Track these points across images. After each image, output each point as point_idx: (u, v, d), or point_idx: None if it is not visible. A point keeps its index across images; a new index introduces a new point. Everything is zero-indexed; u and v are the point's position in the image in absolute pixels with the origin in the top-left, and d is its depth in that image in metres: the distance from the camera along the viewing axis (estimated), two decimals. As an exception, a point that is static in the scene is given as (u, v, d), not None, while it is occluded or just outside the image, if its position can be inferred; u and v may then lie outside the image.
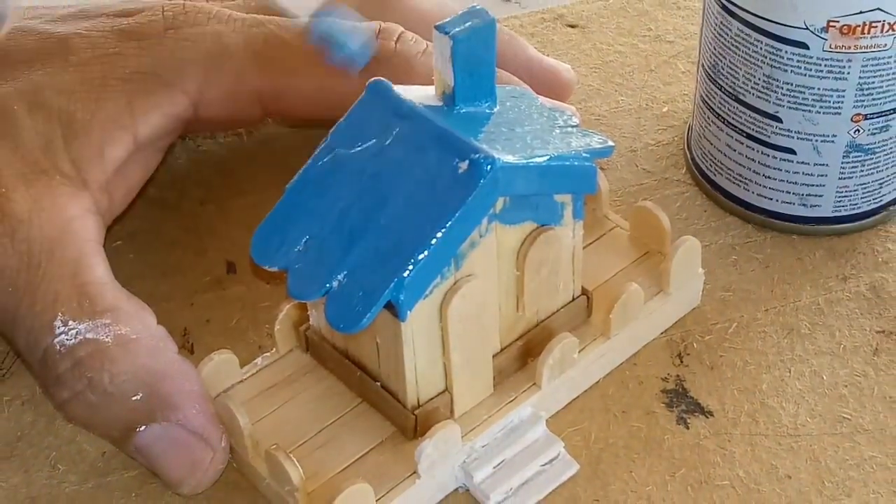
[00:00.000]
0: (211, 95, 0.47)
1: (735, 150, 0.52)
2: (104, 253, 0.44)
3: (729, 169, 0.53)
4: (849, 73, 0.48)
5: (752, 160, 0.52)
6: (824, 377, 0.47)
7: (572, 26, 0.64)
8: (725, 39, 0.50)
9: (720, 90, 0.51)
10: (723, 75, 0.51)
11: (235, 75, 0.47)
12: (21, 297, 0.42)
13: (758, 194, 0.52)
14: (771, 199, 0.52)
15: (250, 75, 0.47)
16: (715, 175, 0.54)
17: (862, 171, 0.51)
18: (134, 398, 0.41)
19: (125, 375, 0.41)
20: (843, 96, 0.48)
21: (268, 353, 0.45)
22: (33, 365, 0.42)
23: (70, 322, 0.41)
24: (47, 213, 0.43)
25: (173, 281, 0.51)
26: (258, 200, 0.48)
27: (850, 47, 0.47)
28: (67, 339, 0.41)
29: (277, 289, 0.48)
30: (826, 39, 0.47)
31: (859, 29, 0.46)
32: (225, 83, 0.47)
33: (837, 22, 0.46)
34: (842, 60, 0.47)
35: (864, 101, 0.48)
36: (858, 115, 0.49)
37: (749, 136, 0.51)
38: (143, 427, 0.41)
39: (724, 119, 0.52)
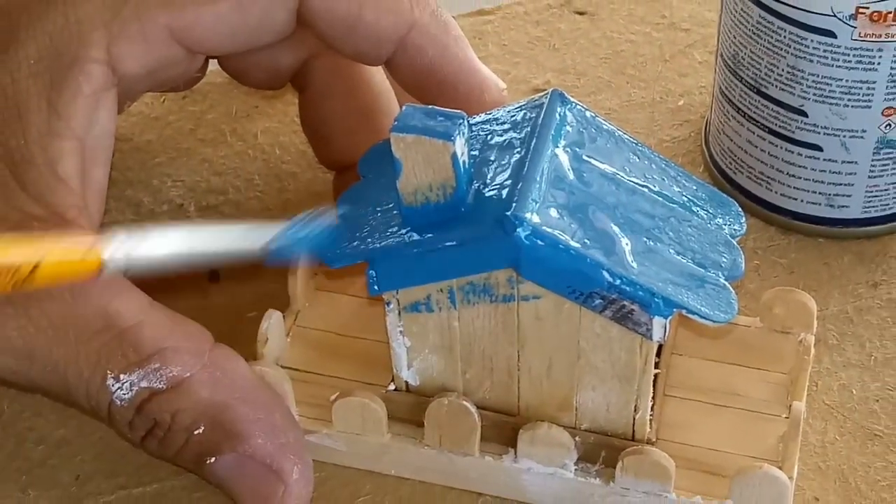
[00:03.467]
0: (122, 51, 0.43)
1: (757, 147, 0.52)
2: (121, 277, 0.42)
3: (750, 167, 0.52)
4: (879, 63, 0.47)
5: (776, 157, 0.51)
6: (854, 391, 0.46)
7: (581, 13, 0.64)
8: (746, 27, 0.49)
9: (741, 82, 0.51)
10: (744, 66, 0.50)
11: (138, 20, 0.43)
12: (65, 371, 0.41)
13: (781, 194, 0.52)
14: (795, 199, 0.52)
15: (153, 12, 0.44)
16: (735, 173, 0.53)
17: (893, 169, 0.50)
18: (196, 432, 0.41)
19: (184, 413, 0.41)
20: (874, 89, 0.48)
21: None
22: (105, 420, 0.42)
23: (121, 376, 0.41)
24: None
25: (156, 289, 0.48)
26: (239, 199, 0.48)
27: (880, 36, 0.46)
28: (124, 394, 0.41)
29: (262, 299, 0.47)
30: (855, 27, 0.46)
31: (890, 16, 0.46)
32: (132, 32, 0.43)
33: (867, 8, 0.46)
34: (871, 50, 0.47)
35: (895, 93, 0.48)
36: (890, 108, 0.48)
37: (772, 132, 0.51)
38: (212, 458, 0.41)
39: (744, 113, 0.51)
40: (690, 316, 0.38)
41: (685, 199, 0.41)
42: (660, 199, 0.41)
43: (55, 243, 0.36)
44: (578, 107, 0.42)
